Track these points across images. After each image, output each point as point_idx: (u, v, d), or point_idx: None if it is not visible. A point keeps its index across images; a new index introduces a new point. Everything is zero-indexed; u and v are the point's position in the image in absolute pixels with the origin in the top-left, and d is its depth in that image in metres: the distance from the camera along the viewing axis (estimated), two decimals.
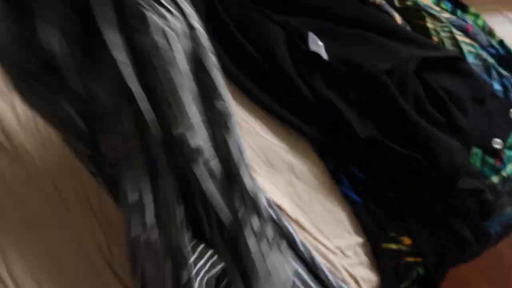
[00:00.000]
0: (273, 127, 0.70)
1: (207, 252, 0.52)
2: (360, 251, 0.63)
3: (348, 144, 0.66)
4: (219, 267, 0.51)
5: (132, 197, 0.48)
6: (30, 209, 0.60)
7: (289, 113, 0.68)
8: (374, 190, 0.65)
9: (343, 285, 0.59)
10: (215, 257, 0.52)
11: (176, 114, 0.46)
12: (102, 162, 0.53)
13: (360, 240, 0.63)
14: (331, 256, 0.61)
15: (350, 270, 0.60)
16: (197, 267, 0.50)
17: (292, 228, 0.60)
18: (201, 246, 0.52)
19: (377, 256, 0.62)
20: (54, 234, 0.58)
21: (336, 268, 0.60)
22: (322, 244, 0.61)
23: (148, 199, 0.48)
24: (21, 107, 0.66)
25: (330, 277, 0.58)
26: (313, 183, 0.66)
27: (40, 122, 0.63)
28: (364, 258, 0.62)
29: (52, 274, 0.55)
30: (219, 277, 0.52)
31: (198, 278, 0.49)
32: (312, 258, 0.58)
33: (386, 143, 0.61)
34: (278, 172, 0.67)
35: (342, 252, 0.62)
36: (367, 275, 0.61)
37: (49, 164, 0.63)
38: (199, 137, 0.48)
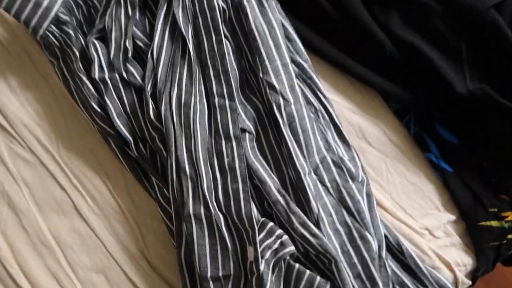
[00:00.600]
0: (338, 86, 0.57)
1: (276, 230, 0.45)
2: (452, 230, 0.52)
3: (437, 101, 0.53)
4: (289, 249, 0.44)
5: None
6: None
7: (362, 67, 0.55)
8: (469, 157, 0.53)
9: (434, 272, 0.49)
10: (285, 237, 0.44)
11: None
12: None
13: (452, 217, 0.52)
14: (417, 238, 0.51)
15: (441, 253, 0.50)
16: (264, 244, 0.43)
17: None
18: (270, 224, 0.45)
19: (474, 236, 0.51)
20: None
21: (423, 251, 0.50)
22: (406, 224, 0.51)
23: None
24: None
25: (421, 264, 0.48)
26: (390, 150, 0.55)
27: None
28: (457, 239, 0.52)
29: None
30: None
31: (265, 257, 0.42)
32: (398, 243, 0.48)
33: (494, 97, 0.47)
34: None
35: (430, 232, 0.52)
36: (461, 258, 0.51)
37: None
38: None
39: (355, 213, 0.47)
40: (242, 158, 0.47)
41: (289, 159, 0.48)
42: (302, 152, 0.48)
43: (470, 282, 0.52)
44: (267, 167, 0.49)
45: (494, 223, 0.51)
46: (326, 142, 0.50)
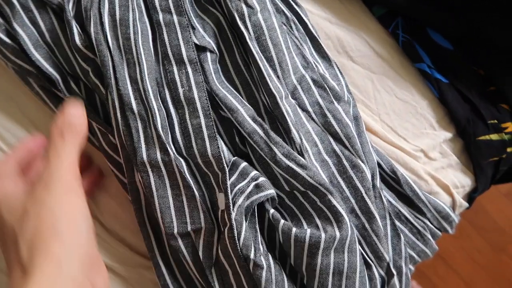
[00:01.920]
0: None
1: (250, 171, 0.37)
2: (448, 150, 0.46)
3: (429, 0, 0.44)
4: (266, 192, 0.36)
5: None
6: None
7: None
8: (466, 65, 0.45)
9: (431, 197, 0.43)
10: (262, 179, 0.36)
11: None
12: None
13: (448, 135, 0.46)
14: (411, 162, 0.44)
15: (438, 176, 0.45)
16: (236, 189, 0.35)
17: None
18: (243, 164, 0.37)
19: (473, 153, 0.46)
20: None
21: (419, 176, 0.44)
22: (398, 148, 0.45)
23: None
24: None
25: (418, 191, 0.42)
26: (376, 64, 0.46)
27: None
28: (454, 158, 0.46)
29: None
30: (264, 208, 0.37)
31: (237, 204, 0.35)
32: (393, 170, 0.42)
33: None
34: None
35: (425, 154, 0.45)
36: (459, 180, 0.46)
37: None
38: None
39: (344, 139, 0.39)
40: (202, 86, 0.37)
41: (261, 81, 0.38)
42: (275, 71, 0.39)
43: (467, 205, 0.47)
44: (236, 93, 0.39)
45: (493, 137, 0.45)
46: (303, 58, 0.41)
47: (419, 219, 0.43)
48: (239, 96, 0.39)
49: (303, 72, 0.40)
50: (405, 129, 0.45)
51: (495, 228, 1.12)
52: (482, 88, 0.46)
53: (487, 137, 0.45)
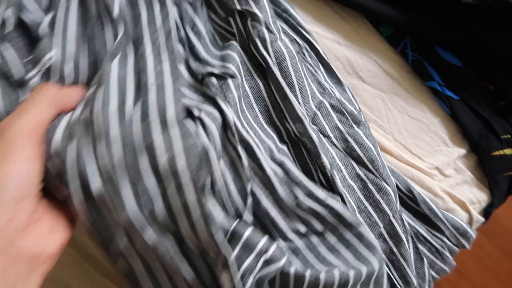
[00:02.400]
0: (318, 15, 0.47)
1: (255, 243, 0.30)
2: (462, 166, 0.46)
3: (437, 19, 0.44)
4: (276, 265, 0.31)
5: None
6: None
7: None
8: (476, 81, 0.46)
9: (449, 215, 0.43)
10: (271, 250, 0.31)
11: None
12: None
13: (462, 151, 0.46)
14: (427, 180, 0.44)
15: (454, 193, 0.45)
16: (243, 268, 0.30)
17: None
18: (246, 233, 0.31)
19: (487, 168, 0.46)
20: None
21: (435, 194, 0.44)
22: (414, 166, 0.45)
23: None
24: None
25: (436, 209, 0.42)
26: (387, 83, 0.47)
27: None
28: (468, 174, 0.46)
29: None
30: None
31: (247, 286, 0.29)
32: (409, 189, 0.42)
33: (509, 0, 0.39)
34: None
35: (440, 172, 0.45)
36: (474, 195, 0.46)
37: None
38: None
39: (367, 163, 0.39)
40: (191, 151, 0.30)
41: (286, 106, 0.38)
42: (296, 97, 0.38)
43: (483, 219, 0.47)
44: (258, 126, 0.37)
45: (507, 151, 0.46)
46: (319, 84, 0.41)
47: (437, 237, 0.43)
48: (261, 123, 0.38)
49: (321, 98, 0.40)
50: (419, 147, 0.45)
51: (505, 234, 1.12)
52: (493, 103, 0.46)
53: (501, 152, 0.45)
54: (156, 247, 0.29)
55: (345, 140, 0.39)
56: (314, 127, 0.39)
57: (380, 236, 0.38)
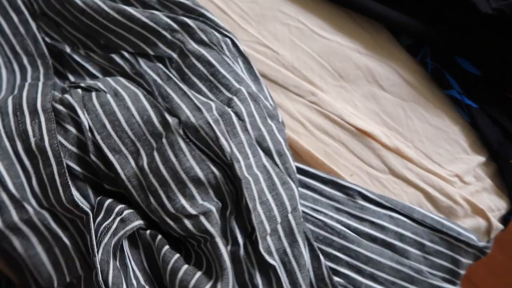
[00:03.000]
0: (338, 24, 0.48)
1: (115, 207, 0.36)
2: (482, 174, 0.47)
3: (456, 29, 0.45)
4: (131, 225, 0.36)
5: None
6: None
7: None
8: (495, 89, 0.46)
9: (461, 231, 0.44)
10: (126, 212, 0.36)
11: None
12: None
13: (481, 159, 0.47)
14: (446, 187, 0.45)
15: (473, 200, 0.45)
16: (102, 227, 0.35)
17: None
18: (107, 201, 0.37)
19: (506, 176, 0.46)
20: None
21: (455, 201, 0.45)
22: (434, 174, 0.45)
23: None
24: None
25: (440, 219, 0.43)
26: (407, 92, 0.47)
27: None
28: (488, 182, 0.47)
29: None
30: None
31: (103, 243, 0.34)
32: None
33: None
34: (353, 84, 0.48)
35: (460, 179, 0.46)
36: (494, 203, 0.47)
37: None
38: None
39: (275, 156, 0.38)
40: (53, 133, 0.36)
41: (185, 99, 0.39)
42: (211, 89, 0.40)
43: (502, 227, 0.48)
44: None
45: None
46: (237, 74, 0.41)
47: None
48: (127, 134, 0.39)
49: (238, 86, 0.40)
50: (439, 155, 0.46)
51: None
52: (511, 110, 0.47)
53: None
54: (34, 218, 0.34)
55: (258, 129, 0.39)
56: (229, 109, 0.39)
57: (275, 232, 0.37)
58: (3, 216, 0.34)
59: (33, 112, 0.37)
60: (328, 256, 0.41)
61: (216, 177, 0.37)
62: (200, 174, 0.36)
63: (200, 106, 0.38)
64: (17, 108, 0.37)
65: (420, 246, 0.43)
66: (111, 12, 0.42)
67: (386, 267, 0.42)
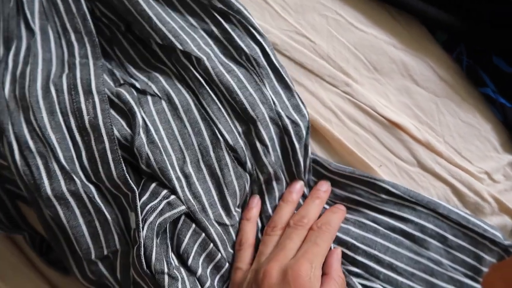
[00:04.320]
0: (374, 18, 0.49)
1: (161, 191, 0.38)
2: (511, 173, 0.47)
3: (492, 27, 0.46)
4: (178, 209, 0.38)
5: None
6: None
7: None
8: None
9: (487, 228, 0.44)
10: (173, 197, 0.38)
11: None
12: None
13: None
14: (475, 183, 0.45)
15: (501, 198, 0.46)
16: (147, 207, 0.37)
17: None
18: (153, 184, 0.39)
19: None
20: None
21: (483, 198, 0.45)
22: (463, 169, 0.46)
23: None
24: None
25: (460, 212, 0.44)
26: (440, 87, 0.48)
27: None
28: None
29: None
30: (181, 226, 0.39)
31: (148, 221, 0.36)
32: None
33: None
34: (387, 77, 0.48)
35: (489, 177, 0.46)
36: None
37: None
38: None
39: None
40: (107, 113, 0.38)
41: (219, 118, 0.42)
42: (227, 111, 0.42)
43: None
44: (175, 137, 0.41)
45: None
46: (262, 94, 0.43)
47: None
48: (177, 141, 0.41)
49: (262, 107, 0.42)
50: (469, 151, 0.47)
51: None
52: None
53: None
54: (80, 190, 0.37)
55: (275, 150, 0.43)
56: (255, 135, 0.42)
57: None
58: (52, 185, 0.36)
59: (87, 93, 0.39)
60: (345, 244, 0.43)
61: (246, 188, 0.43)
62: (237, 189, 0.41)
63: (234, 130, 0.42)
64: (72, 88, 0.39)
65: (443, 239, 0.43)
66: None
67: (404, 257, 0.43)
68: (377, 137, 0.46)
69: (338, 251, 0.41)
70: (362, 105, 0.46)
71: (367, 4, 0.50)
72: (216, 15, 0.44)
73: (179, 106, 0.42)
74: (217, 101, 0.42)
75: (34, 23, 0.43)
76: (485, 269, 0.46)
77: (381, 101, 0.48)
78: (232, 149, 0.41)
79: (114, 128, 0.38)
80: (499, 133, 0.47)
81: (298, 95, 0.45)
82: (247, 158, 0.42)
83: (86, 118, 0.38)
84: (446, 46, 0.49)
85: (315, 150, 0.46)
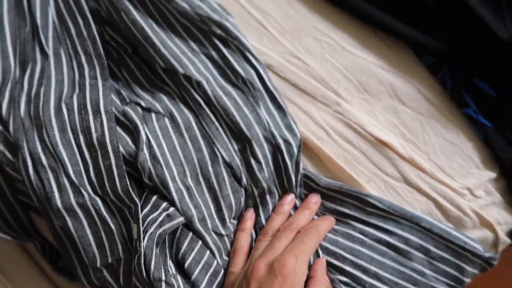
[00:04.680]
0: (364, 41, 0.53)
1: (161, 203, 0.41)
2: (492, 189, 0.50)
3: (475, 51, 0.49)
4: (177, 220, 0.41)
5: None
6: None
7: (390, 16, 0.50)
8: (509, 110, 0.50)
9: (467, 240, 0.47)
10: (172, 209, 0.41)
11: None
12: None
13: (492, 175, 0.50)
14: (457, 198, 0.48)
15: (482, 213, 0.48)
16: (148, 219, 0.40)
17: None
18: (155, 196, 0.42)
19: None
20: None
21: (465, 213, 0.48)
22: (445, 185, 0.49)
23: None
24: None
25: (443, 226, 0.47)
26: (425, 107, 0.51)
27: None
28: (497, 197, 0.50)
29: None
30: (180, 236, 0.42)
31: (149, 232, 0.39)
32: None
33: None
34: (375, 98, 0.52)
35: (471, 192, 0.49)
36: (502, 216, 0.50)
37: None
38: None
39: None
40: (113, 131, 0.41)
41: (217, 137, 0.46)
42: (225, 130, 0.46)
43: (510, 241, 0.51)
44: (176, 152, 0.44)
45: None
46: (257, 115, 0.46)
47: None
48: (178, 156, 0.44)
49: (256, 128, 0.46)
50: (452, 168, 0.50)
51: None
52: None
53: None
54: (88, 203, 0.40)
55: (270, 169, 0.47)
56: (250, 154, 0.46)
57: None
58: (62, 197, 0.40)
59: (96, 112, 0.43)
60: (334, 254, 0.46)
61: (241, 202, 0.46)
62: (233, 202, 0.44)
63: (231, 148, 0.45)
64: (82, 107, 0.43)
65: (426, 251, 0.46)
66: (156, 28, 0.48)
67: (389, 268, 0.46)
68: (365, 154, 0.49)
69: (323, 260, 0.44)
70: (352, 124, 0.50)
71: (359, 29, 0.53)
72: (215, 41, 0.48)
73: (181, 124, 0.45)
74: (215, 121, 0.45)
75: (48, 47, 0.47)
76: (467, 280, 0.48)
77: (370, 120, 0.51)
78: (229, 166, 0.44)
79: (120, 145, 0.42)
80: (480, 151, 0.50)
81: (291, 116, 0.48)
82: (243, 174, 0.45)
83: (94, 135, 0.41)
84: (432, 69, 0.52)
85: (307, 166, 0.49)
